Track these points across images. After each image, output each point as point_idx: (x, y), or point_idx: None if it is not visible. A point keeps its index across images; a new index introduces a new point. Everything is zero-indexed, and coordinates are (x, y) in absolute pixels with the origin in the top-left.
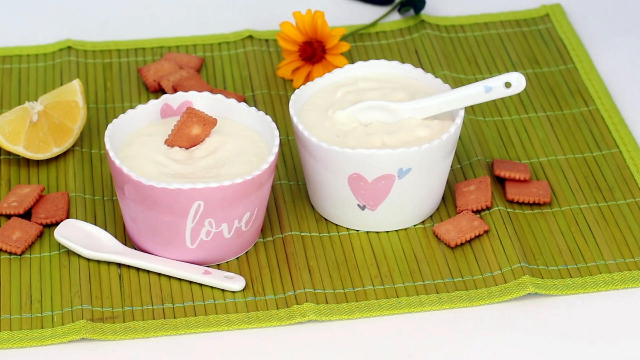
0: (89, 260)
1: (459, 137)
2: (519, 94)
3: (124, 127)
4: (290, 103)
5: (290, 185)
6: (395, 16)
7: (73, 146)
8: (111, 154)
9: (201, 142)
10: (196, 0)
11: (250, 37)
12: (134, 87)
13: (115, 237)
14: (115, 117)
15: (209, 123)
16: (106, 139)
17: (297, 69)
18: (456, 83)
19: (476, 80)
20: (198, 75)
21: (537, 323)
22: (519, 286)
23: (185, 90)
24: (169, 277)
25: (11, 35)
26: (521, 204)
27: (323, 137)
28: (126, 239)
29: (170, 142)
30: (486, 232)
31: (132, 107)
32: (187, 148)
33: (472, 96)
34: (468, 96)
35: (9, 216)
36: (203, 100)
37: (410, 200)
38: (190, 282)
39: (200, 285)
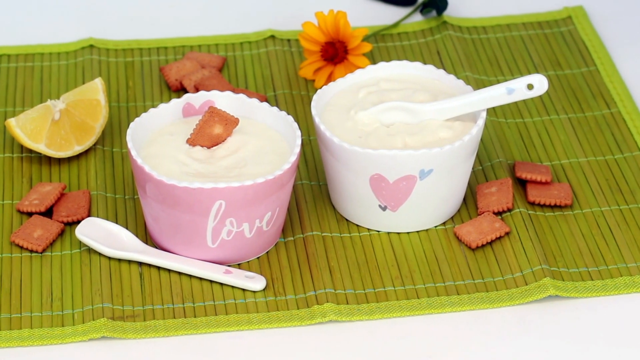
0: (109, 258)
1: (481, 139)
2: (540, 96)
3: (145, 126)
4: (312, 103)
5: (311, 185)
6: (418, 17)
7: (95, 144)
8: (133, 152)
9: (223, 141)
10: (218, 0)
11: (272, 37)
12: (156, 86)
13: (136, 236)
14: (137, 115)
15: (230, 122)
16: (128, 138)
17: (319, 69)
18: (478, 84)
19: (498, 81)
20: (220, 74)
21: (557, 325)
22: (539, 288)
23: (207, 90)
24: (190, 276)
25: (34, 33)
26: (542, 206)
27: (345, 137)
28: (147, 238)
29: (192, 141)
30: (507, 233)
31: (153, 106)
32: (208, 147)
33: (495, 98)
34: (490, 98)
35: (30, 214)
36: (225, 100)
37: (431, 201)
38: (211, 281)
39: (221, 284)
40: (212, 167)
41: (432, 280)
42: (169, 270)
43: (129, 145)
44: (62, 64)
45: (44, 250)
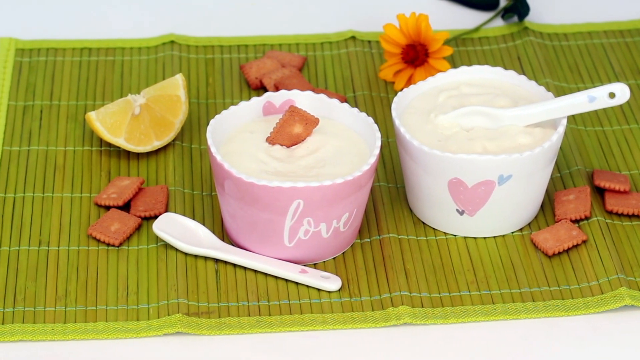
0: (186, 254)
1: (560, 146)
2: (620, 105)
3: (225, 123)
4: (393, 105)
5: (389, 187)
6: (499, 22)
7: (173, 140)
8: (213, 149)
9: (302, 141)
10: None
11: (353, 37)
12: (236, 84)
13: (213, 233)
14: (217, 112)
15: (310, 122)
16: (208, 135)
17: (399, 71)
18: (558, 91)
19: (578, 89)
20: (300, 74)
21: (632, 335)
22: (615, 297)
23: (287, 89)
24: (265, 274)
25: (115, 27)
26: (620, 215)
27: (424, 140)
28: (223, 235)
29: (271, 140)
30: (584, 242)
31: (233, 104)
32: (288, 146)
33: (576, 105)
34: (571, 105)
35: (108, 207)
36: (306, 99)
37: (509, 207)
38: (287, 280)
39: (297, 284)
40: (291, 167)
41: (507, 286)
42: (245, 268)
43: (209, 142)
44: (143, 59)
45: (120, 244)
